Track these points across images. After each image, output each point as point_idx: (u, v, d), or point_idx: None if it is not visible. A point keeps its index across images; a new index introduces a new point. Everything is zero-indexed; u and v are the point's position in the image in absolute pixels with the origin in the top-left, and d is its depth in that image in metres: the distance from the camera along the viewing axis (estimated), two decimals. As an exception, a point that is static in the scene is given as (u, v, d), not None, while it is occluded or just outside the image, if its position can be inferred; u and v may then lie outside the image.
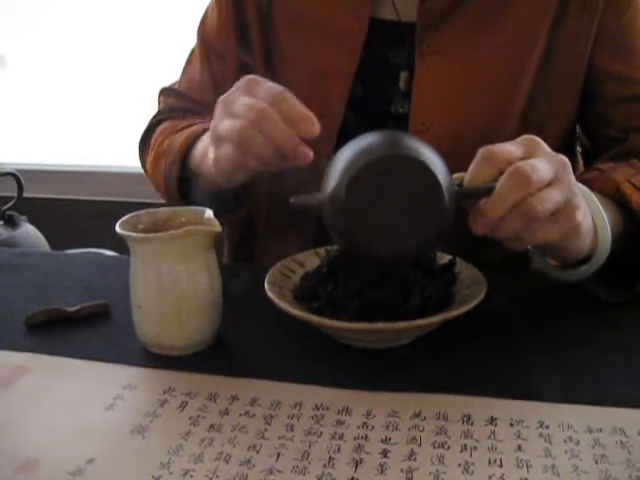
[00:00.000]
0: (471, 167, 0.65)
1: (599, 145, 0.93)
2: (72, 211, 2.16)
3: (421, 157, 0.61)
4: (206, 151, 0.77)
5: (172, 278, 0.64)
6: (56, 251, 1.56)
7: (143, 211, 0.70)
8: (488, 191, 0.63)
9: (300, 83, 0.90)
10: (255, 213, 0.97)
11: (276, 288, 0.69)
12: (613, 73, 0.89)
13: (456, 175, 0.65)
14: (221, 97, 0.72)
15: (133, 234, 0.64)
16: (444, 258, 0.74)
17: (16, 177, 1.83)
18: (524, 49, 0.87)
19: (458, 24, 0.87)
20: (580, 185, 0.68)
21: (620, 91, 0.89)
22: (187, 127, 0.90)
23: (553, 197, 0.63)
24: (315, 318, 0.64)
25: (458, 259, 0.73)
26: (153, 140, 0.97)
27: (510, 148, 0.65)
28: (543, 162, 0.64)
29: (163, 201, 1.03)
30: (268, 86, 0.69)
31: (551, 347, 0.68)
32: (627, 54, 0.90)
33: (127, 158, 2.20)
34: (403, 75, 0.89)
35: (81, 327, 0.73)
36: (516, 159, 0.64)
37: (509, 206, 0.62)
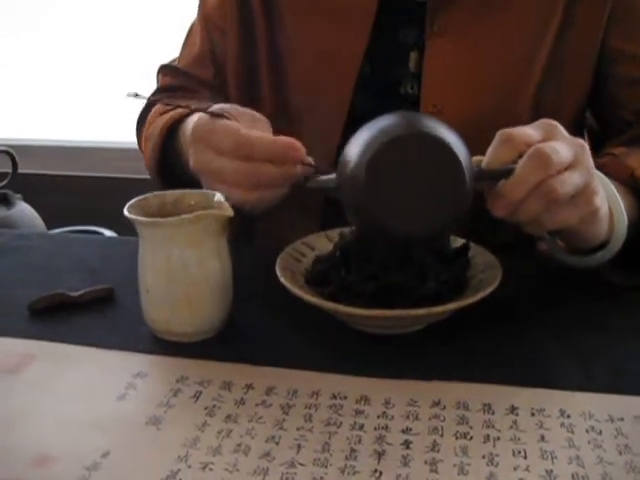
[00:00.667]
0: (490, 149, 0.64)
1: (610, 128, 0.92)
2: (67, 187, 2.12)
3: (441, 136, 0.60)
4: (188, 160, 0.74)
5: (182, 263, 0.63)
6: (56, 232, 1.54)
7: (151, 194, 0.68)
8: (508, 172, 0.62)
9: (307, 63, 0.89)
10: None
11: (288, 273, 0.67)
12: (626, 54, 0.88)
13: (474, 158, 0.64)
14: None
15: (142, 218, 0.62)
16: (458, 242, 0.72)
17: (10, 155, 1.79)
18: (538, 29, 0.85)
19: (469, 4, 0.85)
20: (596, 171, 0.67)
21: (633, 72, 0.88)
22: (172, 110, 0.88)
23: (573, 180, 0.62)
24: (329, 304, 0.62)
25: (472, 243, 0.72)
26: (147, 121, 0.96)
27: (529, 131, 0.64)
28: (563, 145, 0.63)
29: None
30: (226, 136, 0.67)
31: (566, 332, 0.67)
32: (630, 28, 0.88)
33: (122, 133, 2.18)
34: (413, 55, 0.87)
35: (86, 312, 0.71)
36: (535, 142, 0.63)
37: (529, 187, 0.61)
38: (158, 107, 0.95)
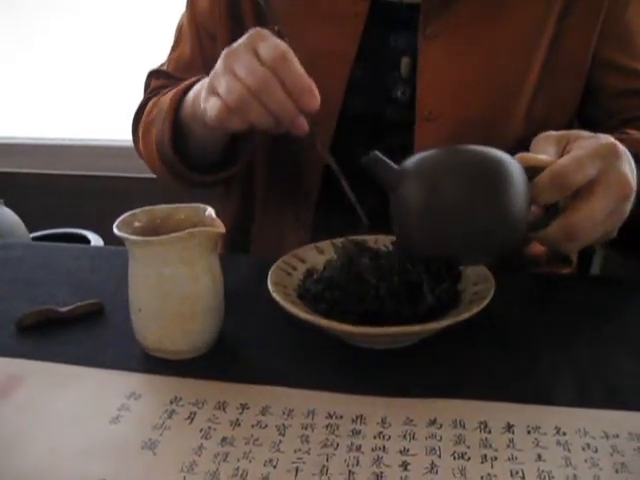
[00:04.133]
0: (541, 191, 0.64)
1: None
2: (48, 187, 2.10)
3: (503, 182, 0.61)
4: (199, 95, 0.77)
5: (175, 282, 0.62)
6: (41, 243, 1.51)
7: (140, 209, 0.67)
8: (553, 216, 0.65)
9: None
10: (251, 196, 0.95)
11: (280, 288, 0.67)
12: (617, 66, 0.89)
13: (520, 155, 0.64)
14: (226, 49, 0.71)
15: (134, 237, 0.61)
16: None
17: None
18: (532, 38, 0.86)
19: (463, 9, 0.85)
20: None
21: (623, 84, 0.89)
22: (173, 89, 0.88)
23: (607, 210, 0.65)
24: (324, 322, 0.62)
25: None
26: (143, 117, 0.95)
27: (577, 174, 0.63)
28: (601, 192, 0.64)
29: (143, 174, 1.00)
30: (273, 44, 0.68)
31: (559, 346, 0.67)
32: (631, 47, 0.89)
33: (107, 131, 2.16)
34: (405, 60, 0.87)
35: (75, 329, 0.71)
36: (582, 182, 0.63)
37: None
38: (154, 100, 0.95)
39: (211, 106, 0.70)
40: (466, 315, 0.62)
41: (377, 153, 0.65)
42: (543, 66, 0.87)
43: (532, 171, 0.64)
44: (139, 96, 1.04)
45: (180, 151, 0.86)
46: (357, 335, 0.63)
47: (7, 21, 2.36)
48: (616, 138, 0.71)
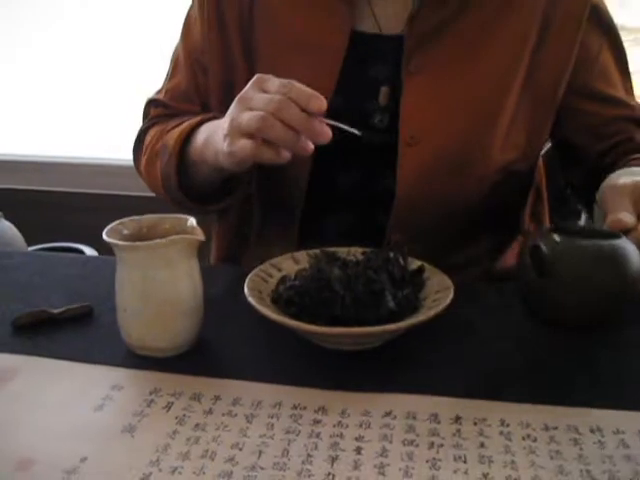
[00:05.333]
0: None
1: (581, 153, 1.00)
2: (46, 203, 2.16)
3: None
4: (211, 141, 0.83)
5: (157, 284, 0.68)
6: (37, 250, 1.57)
7: (128, 219, 0.73)
8: None
9: None
10: (247, 219, 1.01)
11: (256, 293, 0.72)
12: (602, 96, 0.97)
13: (610, 224, 0.74)
14: (238, 95, 0.77)
15: (120, 242, 0.67)
16: (414, 264, 0.78)
17: None
18: (508, 70, 0.92)
19: (444, 45, 0.91)
20: None
21: (611, 112, 0.97)
22: (177, 126, 0.94)
23: None
24: (292, 322, 0.68)
25: (427, 265, 0.78)
26: (145, 145, 1.01)
27: None
28: None
29: (138, 192, 1.06)
30: (277, 80, 0.75)
31: (512, 349, 0.73)
32: (609, 78, 0.97)
33: (106, 150, 2.22)
34: (383, 90, 0.92)
35: (66, 328, 0.76)
36: None
37: None
38: (155, 129, 1.00)
39: (242, 147, 0.74)
40: (422, 318, 0.68)
41: (540, 244, 0.72)
42: (519, 96, 0.93)
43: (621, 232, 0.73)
44: (136, 117, 1.10)
45: (183, 184, 0.92)
46: (321, 335, 0.69)
47: (12, 40, 2.42)
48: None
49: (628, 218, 0.72)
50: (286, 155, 0.75)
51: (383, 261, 0.75)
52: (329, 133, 0.74)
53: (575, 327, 0.74)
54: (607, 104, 0.98)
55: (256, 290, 0.73)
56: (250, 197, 1.00)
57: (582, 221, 1.38)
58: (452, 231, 0.97)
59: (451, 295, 0.72)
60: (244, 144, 0.74)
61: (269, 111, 0.72)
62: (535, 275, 0.72)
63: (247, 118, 0.74)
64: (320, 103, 0.73)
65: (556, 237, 0.73)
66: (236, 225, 1.06)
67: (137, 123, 1.08)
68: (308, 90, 0.73)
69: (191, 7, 1.03)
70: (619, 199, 0.76)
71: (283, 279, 0.76)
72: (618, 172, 0.85)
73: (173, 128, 0.95)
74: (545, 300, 0.73)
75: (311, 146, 0.74)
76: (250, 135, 0.73)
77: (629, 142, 0.96)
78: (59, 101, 2.38)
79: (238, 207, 1.04)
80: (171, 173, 0.91)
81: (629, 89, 1.01)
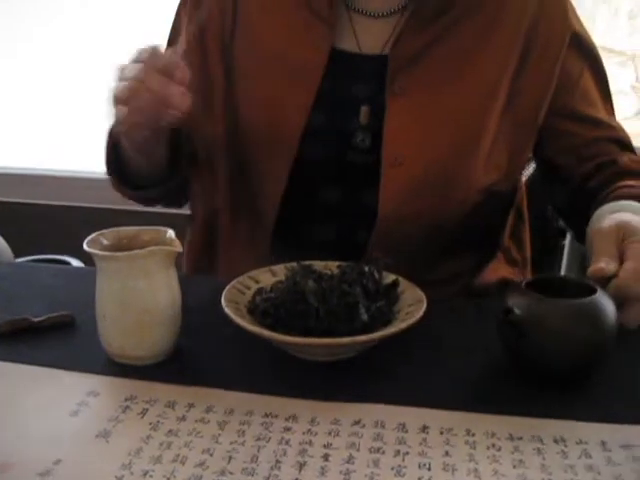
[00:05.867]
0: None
1: (565, 171, 1.02)
2: (36, 216, 2.18)
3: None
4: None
5: (135, 293, 0.69)
6: (22, 262, 1.59)
7: (108, 230, 0.75)
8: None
9: (258, 114, 0.96)
10: (215, 232, 1.03)
11: (232, 304, 0.74)
12: (583, 117, 0.99)
13: (591, 274, 0.74)
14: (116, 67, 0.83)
15: (100, 252, 0.69)
16: (389, 278, 0.80)
17: None
18: (490, 93, 0.94)
19: (428, 67, 0.93)
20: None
21: (593, 133, 0.99)
22: None
23: None
24: (267, 332, 0.69)
25: (401, 279, 0.80)
26: None
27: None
28: None
29: (127, 206, 1.08)
30: (149, 49, 0.80)
31: (482, 362, 0.75)
32: (591, 100, 1.00)
33: (92, 163, 2.24)
34: (364, 109, 0.94)
35: (47, 337, 0.78)
36: None
37: None
38: None
39: (118, 114, 0.82)
40: (393, 330, 0.70)
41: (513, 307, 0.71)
42: (500, 119, 0.95)
43: (603, 279, 0.73)
44: None
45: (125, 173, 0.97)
46: (295, 345, 0.71)
47: (4, 52, 2.44)
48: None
49: (610, 266, 0.73)
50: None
51: (358, 275, 0.77)
52: (188, 102, 0.78)
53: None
54: (588, 125, 1.00)
55: (233, 301, 0.75)
56: (217, 211, 1.02)
57: (566, 240, 1.39)
58: (433, 249, 0.99)
59: (423, 308, 0.73)
60: (120, 110, 0.81)
61: (135, 79, 0.78)
62: (511, 336, 0.72)
63: (119, 88, 0.80)
64: (183, 74, 0.78)
65: (529, 297, 0.72)
66: (205, 237, 1.07)
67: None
68: (171, 60, 0.79)
69: (175, 18, 1.05)
70: (603, 245, 0.76)
71: (259, 291, 0.78)
72: (605, 207, 0.86)
73: None
74: (522, 360, 0.73)
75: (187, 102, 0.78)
76: (124, 102, 0.80)
77: (612, 164, 0.98)
78: (48, 115, 2.40)
79: (205, 218, 1.06)
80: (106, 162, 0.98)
81: (610, 110, 1.03)
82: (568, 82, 0.98)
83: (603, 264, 0.73)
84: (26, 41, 2.42)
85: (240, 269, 0.83)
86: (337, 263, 0.82)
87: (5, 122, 2.45)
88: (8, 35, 2.43)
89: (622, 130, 1.03)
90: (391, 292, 0.78)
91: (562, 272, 1.96)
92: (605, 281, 0.73)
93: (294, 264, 0.81)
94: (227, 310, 0.72)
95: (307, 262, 0.81)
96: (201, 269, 1.07)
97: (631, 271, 0.72)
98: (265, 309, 0.74)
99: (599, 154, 1.00)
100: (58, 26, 2.39)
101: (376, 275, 0.78)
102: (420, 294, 0.77)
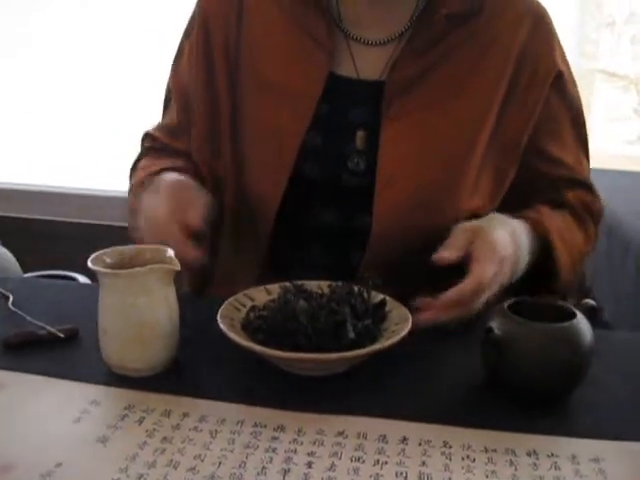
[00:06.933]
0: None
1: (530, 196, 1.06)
2: (43, 232, 2.23)
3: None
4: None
5: (136, 309, 0.74)
6: (31, 278, 1.64)
7: (111, 249, 0.79)
8: None
9: (257, 136, 1.01)
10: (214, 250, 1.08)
11: (227, 320, 0.78)
12: (548, 156, 1.03)
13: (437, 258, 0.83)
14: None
15: (103, 269, 0.74)
16: (377, 297, 0.84)
17: None
18: (479, 119, 0.98)
19: (422, 93, 0.97)
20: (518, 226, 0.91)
21: (555, 171, 1.04)
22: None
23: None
24: (258, 348, 0.74)
25: (389, 299, 0.84)
26: (134, 178, 1.08)
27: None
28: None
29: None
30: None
31: (463, 378, 0.79)
32: (561, 141, 1.04)
33: (101, 181, 2.29)
34: (360, 134, 0.98)
35: (53, 348, 0.82)
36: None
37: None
38: (144, 162, 1.08)
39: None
40: (378, 347, 0.74)
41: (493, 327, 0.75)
42: (487, 144, 0.99)
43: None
44: (132, 151, 1.16)
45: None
46: (285, 360, 0.75)
47: (14, 70, 2.49)
48: (520, 217, 0.91)
49: (452, 256, 0.83)
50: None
51: (347, 294, 0.81)
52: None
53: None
54: (553, 164, 1.04)
55: (228, 317, 0.79)
56: (219, 228, 1.06)
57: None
58: (423, 269, 1.03)
59: (408, 327, 0.78)
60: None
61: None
62: (490, 355, 0.76)
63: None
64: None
65: (510, 318, 0.75)
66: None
67: (133, 154, 1.15)
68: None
69: (180, 44, 1.10)
70: (455, 238, 0.86)
71: (253, 308, 0.82)
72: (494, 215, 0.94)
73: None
74: (500, 378, 0.76)
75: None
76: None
77: (557, 197, 1.04)
78: (58, 131, 2.45)
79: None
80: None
81: (583, 154, 1.07)
82: (545, 120, 1.02)
83: (447, 254, 0.83)
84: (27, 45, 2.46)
85: (237, 285, 0.87)
86: (328, 283, 0.86)
87: (15, 137, 2.50)
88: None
89: (585, 170, 1.08)
90: (378, 311, 0.82)
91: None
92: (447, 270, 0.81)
93: (287, 284, 0.85)
94: (222, 326, 0.77)
95: (299, 282, 0.85)
96: (200, 289, 1.12)
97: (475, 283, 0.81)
98: (258, 326, 0.78)
99: (552, 191, 1.04)
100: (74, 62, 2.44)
101: (365, 295, 0.83)
102: (406, 313, 0.81)
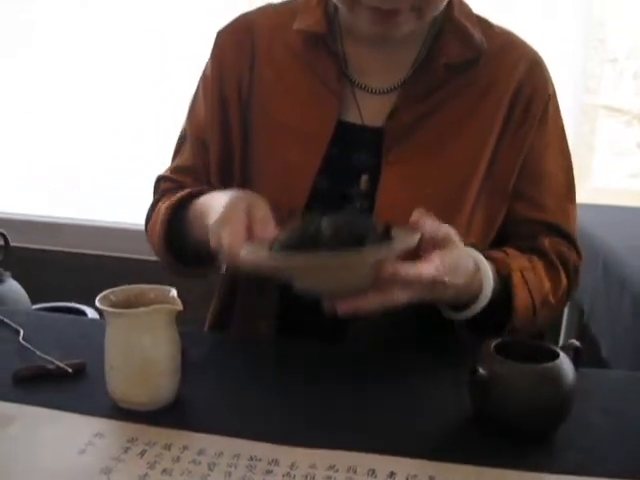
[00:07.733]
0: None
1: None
2: (51, 263, 2.27)
3: None
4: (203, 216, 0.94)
5: (140, 346, 0.78)
6: (39, 311, 1.68)
7: (118, 288, 0.83)
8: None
9: (269, 176, 1.05)
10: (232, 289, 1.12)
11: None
12: (527, 197, 1.06)
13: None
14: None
15: (109, 309, 0.78)
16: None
17: (3, 235, 1.90)
18: (473, 161, 1.03)
19: (420, 137, 1.02)
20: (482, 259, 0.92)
21: (533, 214, 1.07)
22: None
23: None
24: (279, 256, 0.76)
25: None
26: (152, 218, 1.12)
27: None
28: None
29: (142, 256, 1.16)
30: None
31: (450, 412, 0.83)
32: (543, 184, 1.07)
33: (112, 213, 2.33)
34: (364, 178, 1.02)
35: (61, 382, 0.87)
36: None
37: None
38: (166, 200, 1.11)
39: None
40: (402, 246, 0.78)
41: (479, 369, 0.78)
42: (480, 185, 1.04)
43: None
44: (144, 185, 1.19)
45: (175, 248, 1.04)
46: (304, 267, 0.77)
47: (26, 98, 2.53)
48: (487, 257, 0.93)
49: (430, 226, 0.84)
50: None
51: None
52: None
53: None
54: (534, 207, 1.07)
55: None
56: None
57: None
58: (417, 308, 1.07)
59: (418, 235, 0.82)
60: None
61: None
62: (476, 393, 0.79)
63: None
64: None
65: (495, 358, 0.78)
66: (224, 294, 1.16)
67: (146, 187, 1.19)
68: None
69: (197, 87, 1.15)
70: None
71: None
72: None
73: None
74: (485, 416, 0.79)
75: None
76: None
77: (533, 243, 1.06)
78: (68, 163, 2.49)
79: (226, 277, 1.14)
80: (160, 238, 1.03)
81: (564, 204, 1.09)
82: (529, 161, 1.05)
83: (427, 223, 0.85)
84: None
85: (254, 319, 0.91)
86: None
87: (25, 169, 2.54)
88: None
89: (568, 219, 1.09)
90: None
91: (561, 334, 2.01)
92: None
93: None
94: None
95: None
96: (220, 328, 1.16)
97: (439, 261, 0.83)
98: (282, 242, 0.79)
99: (530, 236, 1.07)
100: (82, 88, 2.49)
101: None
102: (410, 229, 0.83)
